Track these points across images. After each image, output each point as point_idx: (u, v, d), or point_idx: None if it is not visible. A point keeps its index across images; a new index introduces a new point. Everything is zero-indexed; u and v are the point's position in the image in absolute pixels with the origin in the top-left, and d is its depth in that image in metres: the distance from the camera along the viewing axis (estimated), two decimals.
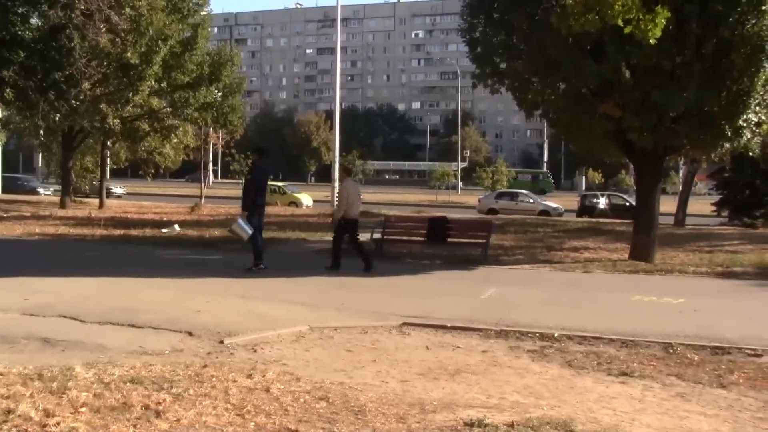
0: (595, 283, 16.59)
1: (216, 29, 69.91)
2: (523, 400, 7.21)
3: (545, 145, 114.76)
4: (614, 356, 9.26)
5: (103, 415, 6.26)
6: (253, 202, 16.91)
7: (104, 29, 23.59)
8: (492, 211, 47.77)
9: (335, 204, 17.34)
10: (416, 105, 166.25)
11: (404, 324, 10.98)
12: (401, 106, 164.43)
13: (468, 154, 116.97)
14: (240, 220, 16.84)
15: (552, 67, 18.58)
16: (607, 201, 48.53)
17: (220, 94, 40.34)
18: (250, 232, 16.65)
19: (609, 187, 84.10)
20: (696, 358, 9.31)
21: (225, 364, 8.30)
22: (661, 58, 17.07)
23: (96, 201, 41.64)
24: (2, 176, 62.99)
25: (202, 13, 38.69)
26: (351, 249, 17.47)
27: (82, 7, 21.03)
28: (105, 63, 32.98)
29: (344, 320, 11.26)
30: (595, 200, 49.16)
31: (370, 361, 8.76)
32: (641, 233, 20.44)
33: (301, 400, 6.96)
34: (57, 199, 42.82)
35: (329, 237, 21.90)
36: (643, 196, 20.93)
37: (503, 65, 20.64)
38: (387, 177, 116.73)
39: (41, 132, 43.36)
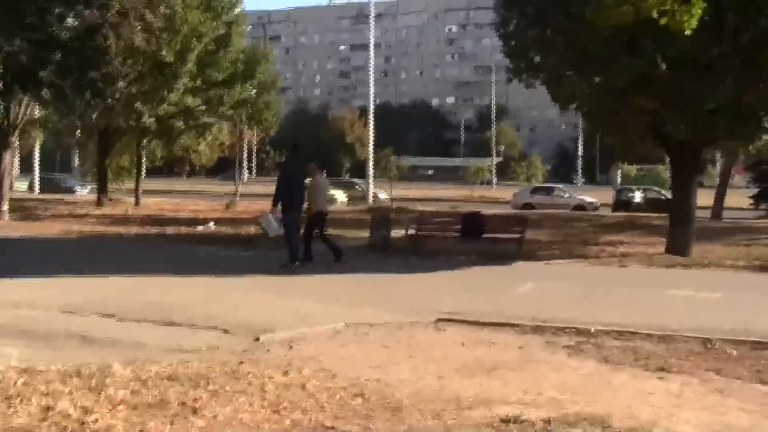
0: (631, 277, 16.47)
1: (250, 27, 69.93)
2: (559, 396, 7.16)
3: (580, 139, 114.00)
4: (651, 351, 9.15)
5: (140, 412, 6.30)
6: (288, 199, 16.93)
7: (139, 28, 23.72)
8: (527, 206, 47.53)
9: (313, 200, 17.64)
10: (450, 100, 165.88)
11: (440, 320, 10.95)
12: (435, 102, 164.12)
13: (502, 149, 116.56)
14: (269, 216, 16.93)
15: (587, 60, 18.41)
16: (642, 195, 48.17)
17: (254, 91, 40.48)
18: (276, 228, 16.72)
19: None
20: (735, 354, 9.19)
21: (261, 360, 8.32)
22: (697, 50, 16.86)
23: (132, 200, 41.93)
24: (40, 175, 63.74)
25: (235, 11, 38.83)
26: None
27: (117, 7, 21.17)
28: (140, 61, 33.19)
29: (380, 317, 11.24)
30: (630, 194, 48.81)
31: (405, 358, 8.74)
32: (678, 227, 20.24)
33: (337, 396, 6.95)
34: (94, 197, 43.20)
35: (364, 233, 22.03)
36: (679, 190, 20.73)
37: (538, 59, 20.50)
38: (421, 173, 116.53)
39: (78, 131, 43.78)
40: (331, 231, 25.34)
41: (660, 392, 7.47)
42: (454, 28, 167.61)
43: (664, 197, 43.72)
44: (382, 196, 49.95)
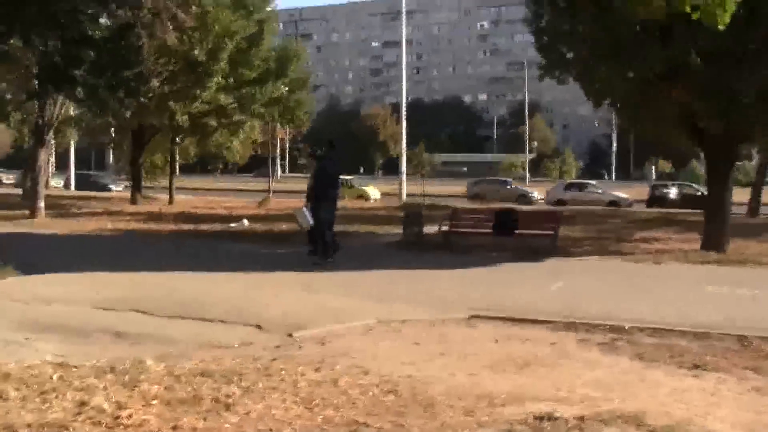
0: (666, 274, 16.33)
1: (282, 25, 70.23)
2: (593, 393, 7.09)
3: (614, 135, 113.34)
4: (686, 349, 9.04)
5: (173, 407, 6.32)
6: (323, 195, 16.97)
7: (171, 27, 23.84)
8: (560, 202, 47.34)
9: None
10: (483, 96, 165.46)
11: (472, 316, 10.90)
12: (467, 98, 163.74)
13: (536, 145, 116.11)
14: (304, 209, 17.02)
15: (618, 52, 18.24)
16: (677, 191, 47.78)
17: (286, 89, 40.59)
18: (310, 222, 16.78)
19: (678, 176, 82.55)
20: None
21: (293, 357, 8.32)
22: (732, 41, 16.64)
23: (166, 197, 42.20)
24: (75, 173, 64.36)
25: (267, 9, 38.97)
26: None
27: (150, 6, 21.30)
28: (173, 60, 33.38)
29: (412, 313, 11.22)
30: (665, 190, 48.43)
31: (438, 354, 8.71)
32: (713, 223, 20.04)
33: (370, 393, 6.94)
34: (128, 195, 43.53)
35: (398, 230, 22.02)
36: (715, 185, 20.51)
37: (570, 54, 20.39)
38: (454, 169, 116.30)
39: (112, 129, 44.13)
40: (364, 227, 25.44)
41: (695, 390, 7.37)
42: (486, 25, 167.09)
43: (699, 193, 43.33)
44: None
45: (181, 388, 6.86)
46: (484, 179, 63.24)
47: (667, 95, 18.16)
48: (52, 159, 66.15)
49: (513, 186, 57.81)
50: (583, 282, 14.87)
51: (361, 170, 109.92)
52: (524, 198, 52.82)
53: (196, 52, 33.07)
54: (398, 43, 54.48)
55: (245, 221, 27.08)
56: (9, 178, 74.83)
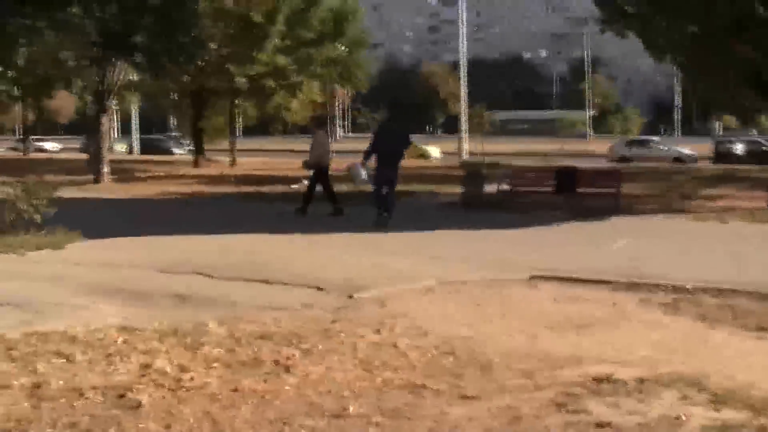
0: (731, 233, 16.05)
1: None
2: (653, 355, 7.00)
3: (678, 90, 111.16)
4: (751, 310, 8.84)
5: (234, 370, 6.42)
6: (383, 154, 17.17)
7: None
8: (624, 159, 46.67)
9: (314, 154, 19.35)
10: (543, 53, 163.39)
11: (533, 276, 10.83)
12: (528, 55, 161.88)
13: (597, 102, 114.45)
14: (358, 165, 17.28)
15: (680, 6, 17.84)
16: (744, 146, 46.85)
17: (344, 49, 40.53)
18: (363, 179, 17.02)
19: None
20: None
21: (353, 319, 8.36)
22: None
23: (227, 159, 42.54)
24: (139, 138, 65.23)
25: None
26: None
27: None
28: (230, 23, 33.51)
29: (472, 273, 11.19)
30: (731, 145, 47.51)
31: (497, 315, 8.69)
32: None
33: (428, 354, 6.96)
34: (191, 158, 43.99)
35: (457, 189, 21.94)
36: None
37: (629, 8, 20.02)
38: (515, 127, 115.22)
39: (173, 93, 44.55)
40: (423, 186, 25.38)
41: (759, 352, 7.24)
42: None
43: (766, 148, 42.46)
44: None
45: (241, 350, 6.96)
46: (635, 139, 58.84)
47: (732, 51, 17.71)
48: (116, 124, 67.07)
49: (665, 147, 51.76)
50: (646, 241, 14.69)
51: (428, 128, 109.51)
52: (680, 160, 47.49)
53: (253, 13, 33.13)
54: (456, 0, 53.93)
55: (305, 181, 27.15)
56: (55, 146, 76.01)
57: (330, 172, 18.96)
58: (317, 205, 19.98)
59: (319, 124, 22.45)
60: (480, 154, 43.28)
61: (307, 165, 19.11)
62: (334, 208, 18.54)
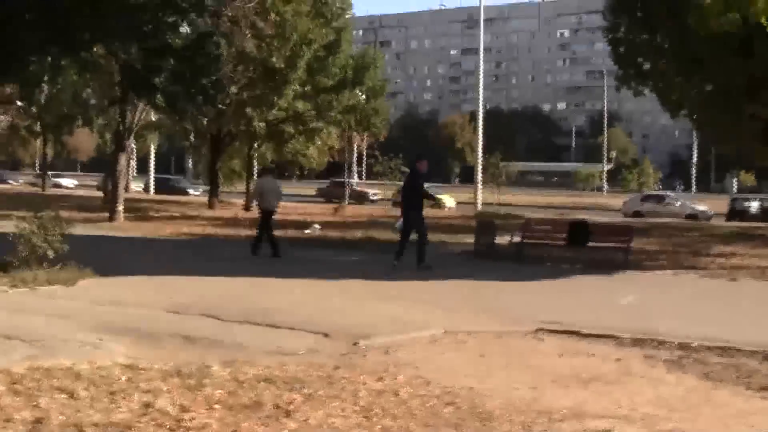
0: (741, 291, 15.99)
1: (360, 32, 70.41)
2: (654, 412, 7.00)
3: (695, 146, 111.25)
4: (756, 370, 8.82)
5: (235, 412, 6.46)
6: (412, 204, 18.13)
7: (250, 35, 24.29)
8: (637, 214, 46.61)
9: (261, 199, 21.39)
10: (561, 105, 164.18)
11: (539, 329, 10.84)
12: (546, 107, 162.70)
13: (614, 155, 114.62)
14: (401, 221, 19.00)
15: (696, 65, 17.99)
16: (759, 204, 46.71)
17: (363, 96, 40.86)
18: (396, 226, 17.59)
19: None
20: None
21: (357, 366, 8.40)
22: None
23: (242, 201, 42.74)
24: (155, 177, 65.72)
25: (345, 17, 39.28)
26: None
27: (229, 14, 21.71)
28: (251, 68, 33.90)
29: (479, 324, 11.21)
30: (746, 203, 47.39)
31: (501, 367, 8.71)
32: None
33: (429, 404, 6.98)
34: (206, 199, 44.23)
35: (470, 239, 22.00)
36: None
37: (647, 65, 20.19)
38: (531, 179, 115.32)
39: (191, 135, 44.95)
40: (437, 236, 25.45)
41: (761, 412, 7.22)
42: (566, 33, 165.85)
43: None
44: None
45: (243, 393, 7.00)
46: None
47: (747, 110, 17.83)
48: (133, 163, 67.58)
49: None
50: (654, 297, 14.67)
51: (453, 180, 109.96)
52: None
53: (274, 59, 33.52)
54: (477, 51, 54.31)
55: (317, 226, 27.32)
56: (72, 182, 76.74)
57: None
58: (329, 248, 20.09)
59: (267, 170, 25.08)
60: (495, 204, 43.25)
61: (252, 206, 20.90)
62: (272, 251, 19.48)
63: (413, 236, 17.97)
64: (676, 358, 9.32)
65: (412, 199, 18.24)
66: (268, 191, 20.99)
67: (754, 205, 46.56)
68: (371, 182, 73.68)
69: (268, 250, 19.41)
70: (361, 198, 57.51)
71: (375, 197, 59.51)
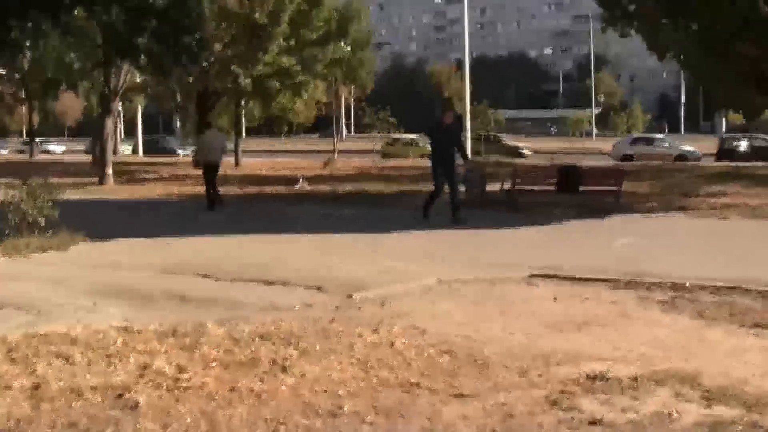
0: (732, 230, 16.07)
1: None
2: (650, 352, 7.04)
3: (683, 87, 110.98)
4: (748, 307, 8.86)
5: (232, 370, 6.47)
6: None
7: None
8: (627, 157, 46.65)
9: (204, 153, 22.07)
10: (548, 51, 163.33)
11: (533, 275, 10.87)
12: (533, 53, 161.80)
13: (602, 99, 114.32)
14: None
15: (682, 6, 17.86)
16: (748, 143, 46.75)
17: (348, 49, 40.57)
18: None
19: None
20: None
21: (352, 318, 8.41)
22: None
23: (232, 160, 42.62)
24: (143, 139, 65.44)
25: None
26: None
27: None
28: (234, 24, 33.59)
29: (473, 273, 11.20)
30: (735, 143, 47.44)
31: (496, 314, 8.73)
32: None
33: (425, 354, 7.00)
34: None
35: (462, 188, 21.95)
36: None
37: (632, 7, 20.02)
38: (520, 125, 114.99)
39: (177, 95, 44.67)
40: (427, 187, 25.41)
41: (755, 350, 7.26)
42: None
43: None
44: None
45: (239, 350, 7.01)
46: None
47: (735, 50, 17.71)
48: (121, 125, 67.29)
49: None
50: (646, 239, 14.71)
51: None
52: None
53: (257, 15, 33.22)
54: None
55: (304, 183, 27.22)
56: (59, 148, 76.41)
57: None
58: (318, 203, 20.08)
59: (207, 125, 25.97)
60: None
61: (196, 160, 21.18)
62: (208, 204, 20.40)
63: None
64: (669, 298, 9.36)
65: (442, 154, 17.83)
66: (212, 145, 21.41)
67: (743, 144, 46.64)
68: (363, 135, 73.40)
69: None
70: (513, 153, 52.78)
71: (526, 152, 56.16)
